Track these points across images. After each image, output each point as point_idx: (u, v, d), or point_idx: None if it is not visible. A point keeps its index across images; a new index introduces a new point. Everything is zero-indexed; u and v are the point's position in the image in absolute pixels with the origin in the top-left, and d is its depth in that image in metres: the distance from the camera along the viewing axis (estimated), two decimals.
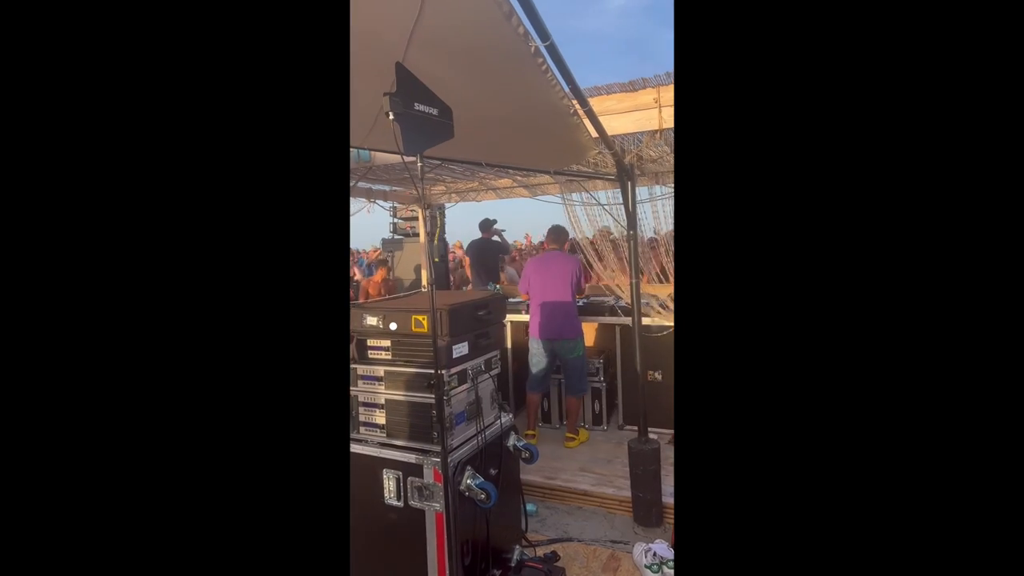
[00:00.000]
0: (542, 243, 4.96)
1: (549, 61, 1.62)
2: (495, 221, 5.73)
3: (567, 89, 1.86)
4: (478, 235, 5.74)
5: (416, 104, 1.56)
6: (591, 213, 4.05)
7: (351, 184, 4.23)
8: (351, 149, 3.14)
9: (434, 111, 1.62)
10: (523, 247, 8.86)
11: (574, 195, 4.14)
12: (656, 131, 2.64)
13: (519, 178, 4.41)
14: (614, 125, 2.63)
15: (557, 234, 3.72)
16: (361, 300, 5.14)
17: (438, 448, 1.83)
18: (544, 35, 1.47)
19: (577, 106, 1.99)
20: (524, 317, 3.85)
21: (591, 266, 4.10)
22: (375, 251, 8.26)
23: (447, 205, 5.39)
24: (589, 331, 4.26)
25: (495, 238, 5.83)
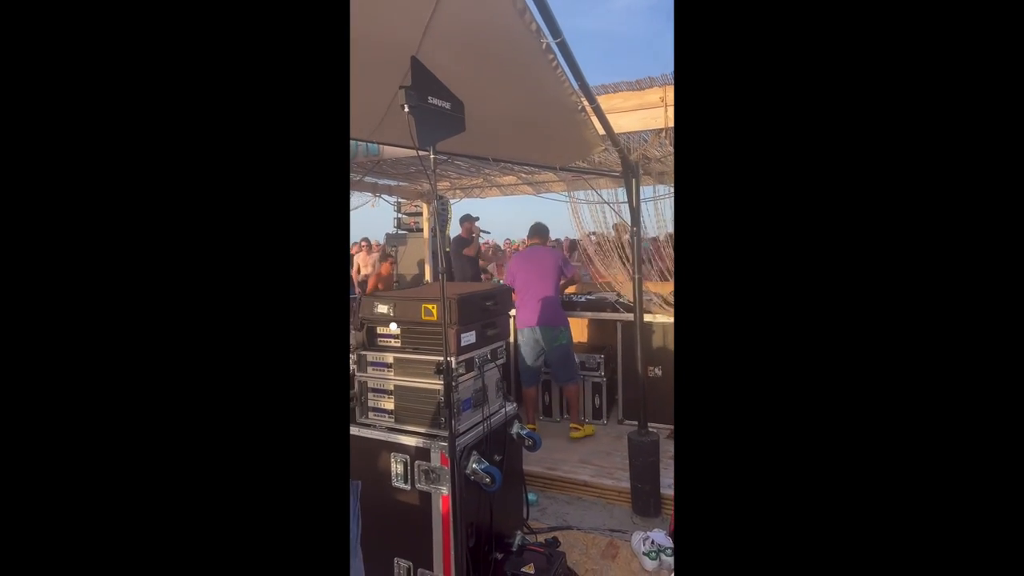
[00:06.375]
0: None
1: (560, 58, 1.67)
2: (477, 217, 5.73)
3: (576, 86, 1.91)
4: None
5: (430, 97, 1.60)
6: (595, 211, 4.11)
7: (358, 178, 4.29)
8: (360, 143, 3.19)
9: (447, 105, 1.67)
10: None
11: (578, 193, 4.21)
12: (661, 130, 2.69)
13: (523, 175, 4.47)
14: (620, 123, 2.68)
15: (539, 231, 3.87)
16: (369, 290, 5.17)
17: (445, 433, 1.88)
18: (556, 32, 1.53)
19: (585, 102, 2.04)
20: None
21: (591, 262, 4.17)
22: (377, 245, 8.27)
23: (452, 200, 5.46)
24: (586, 326, 4.32)
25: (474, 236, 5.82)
